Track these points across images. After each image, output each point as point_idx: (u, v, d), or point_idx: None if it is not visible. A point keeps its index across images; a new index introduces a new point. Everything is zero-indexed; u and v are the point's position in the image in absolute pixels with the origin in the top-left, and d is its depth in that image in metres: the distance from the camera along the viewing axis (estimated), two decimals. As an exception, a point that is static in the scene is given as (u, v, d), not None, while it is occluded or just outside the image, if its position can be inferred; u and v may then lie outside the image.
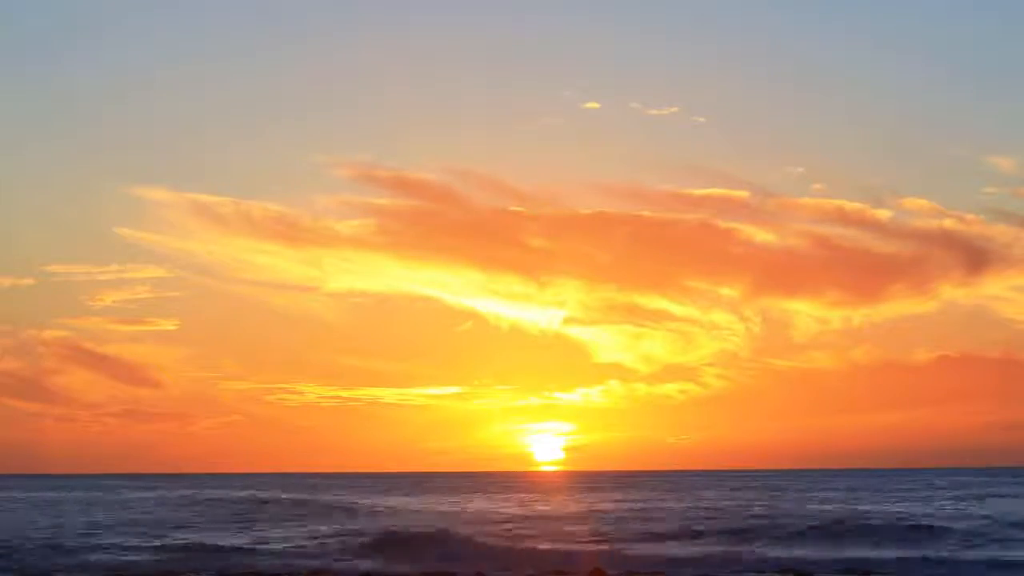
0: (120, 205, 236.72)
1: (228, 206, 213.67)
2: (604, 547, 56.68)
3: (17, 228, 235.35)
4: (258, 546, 59.80)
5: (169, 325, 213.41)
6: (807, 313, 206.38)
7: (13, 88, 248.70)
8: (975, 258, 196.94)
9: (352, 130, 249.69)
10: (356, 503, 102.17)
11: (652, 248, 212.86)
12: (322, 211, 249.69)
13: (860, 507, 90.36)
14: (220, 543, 60.05)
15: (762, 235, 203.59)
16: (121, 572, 49.94)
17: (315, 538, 63.15)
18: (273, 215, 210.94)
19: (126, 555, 56.62)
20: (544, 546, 57.32)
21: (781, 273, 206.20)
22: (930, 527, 65.13)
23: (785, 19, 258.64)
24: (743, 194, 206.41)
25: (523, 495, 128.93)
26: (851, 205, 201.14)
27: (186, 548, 58.30)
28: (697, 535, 63.77)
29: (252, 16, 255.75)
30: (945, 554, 53.49)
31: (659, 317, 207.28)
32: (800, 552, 54.35)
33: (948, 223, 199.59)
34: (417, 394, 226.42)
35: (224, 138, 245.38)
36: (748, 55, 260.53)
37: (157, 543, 61.69)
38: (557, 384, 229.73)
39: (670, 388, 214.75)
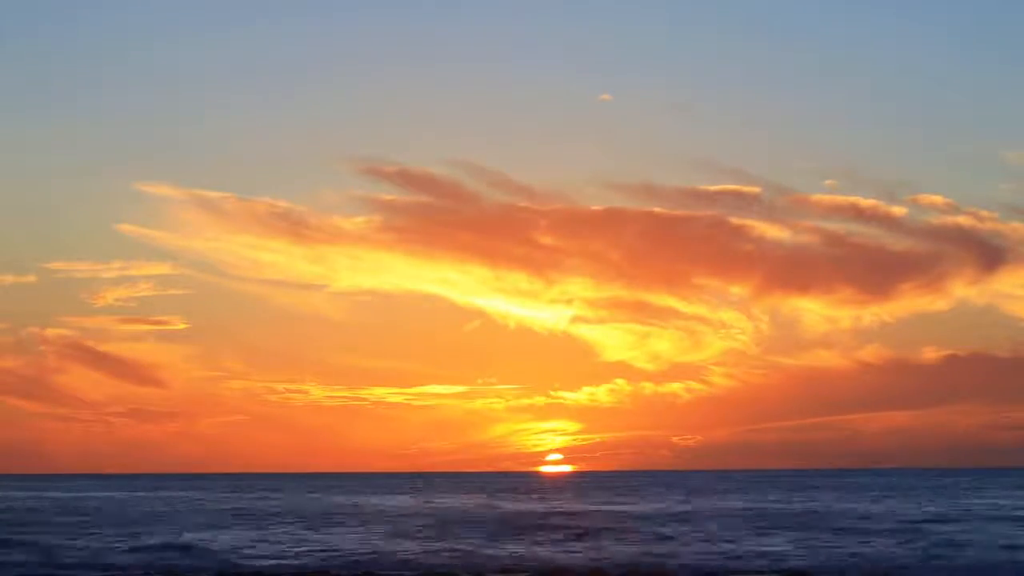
0: (122, 201, 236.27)
1: (232, 202, 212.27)
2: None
3: (18, 225, 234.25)
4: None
5: (172, 323, 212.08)
6: (816, 311, 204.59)
7: (14, 86, 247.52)
8: (989, 255, 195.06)
9: (357, 124, 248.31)
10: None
11: (662, 245, 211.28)
12: (327, 206, 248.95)
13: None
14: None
15: (774, 232, 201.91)
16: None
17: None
18: (278, 211, 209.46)
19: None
20: None
21: (791, 271, 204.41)
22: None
23: (798, 15, 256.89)
24: (755, 190, 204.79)
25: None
26: (865, 202, 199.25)
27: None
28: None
29: (255, 13, 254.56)
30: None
31: (667, 315, 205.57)
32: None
33: (963, 220, 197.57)
34: (423, 393, 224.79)
35: (227, 133, 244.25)
36: (762, 50, 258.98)
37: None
38: (563, 383, 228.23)
39: (677, 387, 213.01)
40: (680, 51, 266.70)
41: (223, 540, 60.33)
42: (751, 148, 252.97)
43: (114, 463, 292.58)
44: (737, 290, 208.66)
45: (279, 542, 58.96)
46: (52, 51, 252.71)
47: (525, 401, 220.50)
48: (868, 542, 56.80)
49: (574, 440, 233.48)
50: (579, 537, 60.00)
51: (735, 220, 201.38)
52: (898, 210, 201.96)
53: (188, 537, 62.18)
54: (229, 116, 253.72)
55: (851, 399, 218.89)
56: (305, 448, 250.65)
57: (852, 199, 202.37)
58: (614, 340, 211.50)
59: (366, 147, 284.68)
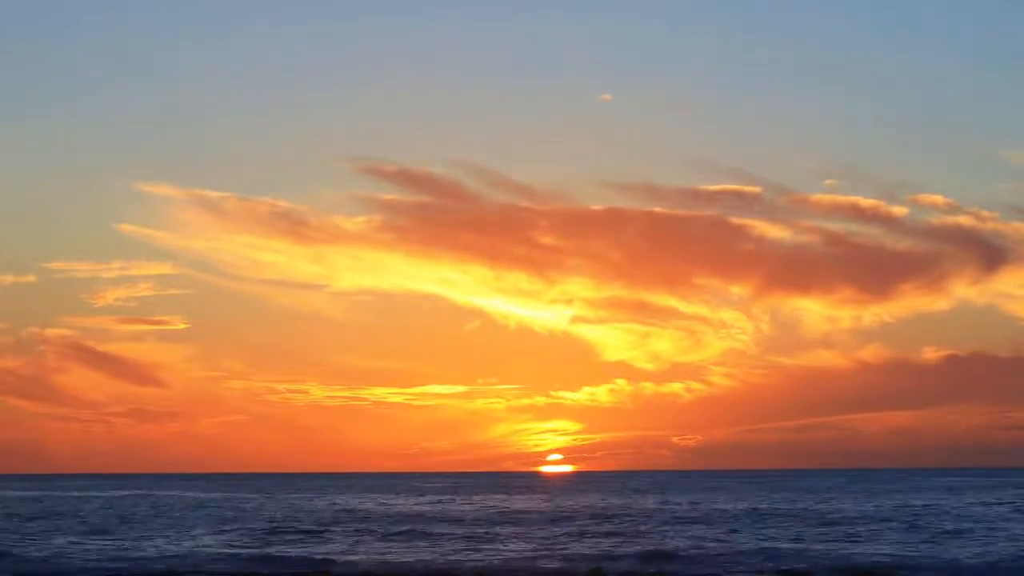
0: (123, 201, 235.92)
1: (232, 202, 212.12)
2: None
3: (18, 225, 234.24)
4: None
5: (172, 323, 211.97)
6: (817, 311, 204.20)
7: (14, 84, 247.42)
8: (989, 255, 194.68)
9: (357, 124, 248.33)
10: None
11: (663, 245, 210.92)
12: (328, 206, 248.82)
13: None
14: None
15: (774, 232, 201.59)
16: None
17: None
18: (279, 211, 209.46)
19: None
20: None
21: (792, 270, 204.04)
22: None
23: (798, 15, 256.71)
24: (756, 190, 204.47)
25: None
26: (866, 201, 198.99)
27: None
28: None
29: (256, 14, 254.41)
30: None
31: (667, 315, 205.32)
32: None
33: (964, 220, 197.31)
34: (423, 393, 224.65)
35: (227, 133, 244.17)
36: (762, 50, 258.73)
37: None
38: (563, 383, 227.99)
39: (677, 387, 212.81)
40: (680, 51, 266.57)
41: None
42: (751, 148, 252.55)
43: (114, 463, 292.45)
44: (737, 290, 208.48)
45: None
46: (52, 52, 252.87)
47: (525, 401, 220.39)
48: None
49: (574, 440, 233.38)
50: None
51: (735, 220, 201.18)
52: (899, 210, 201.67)
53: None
54: (229, 116, 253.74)
55: (851, 399, 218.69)
56: (305, 448, 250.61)
57: (852, 199, 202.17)
58: (614, 340, 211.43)
59: (366, 147, 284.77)
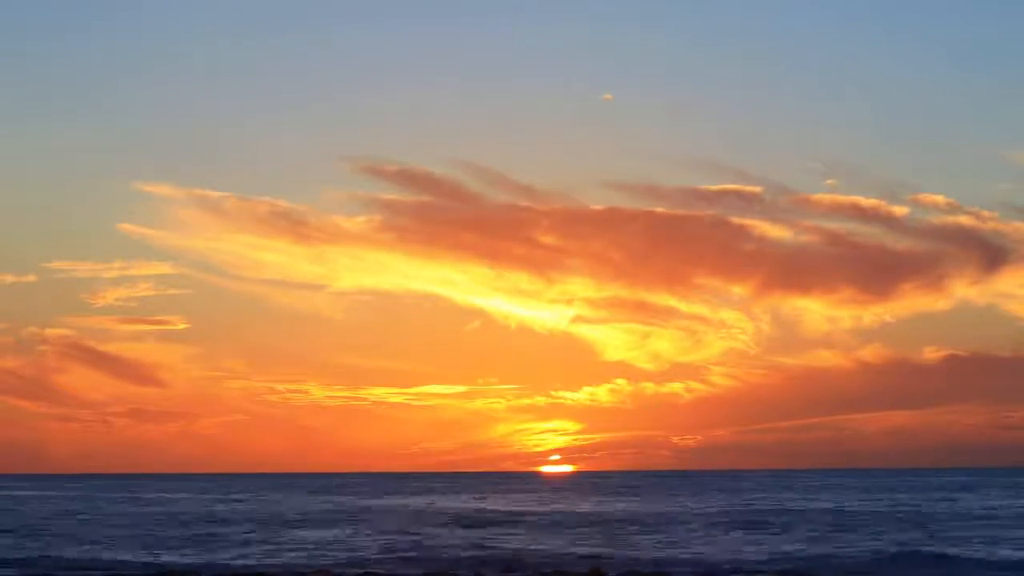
0: (122, 201, 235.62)
1: (232, 202, 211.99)
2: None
3: (19, 224, 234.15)
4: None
5: (172, 323, 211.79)
6: (817, 311, 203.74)
7: (15, 84, 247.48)
8: (990, 255, 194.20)
9: (357, 124, 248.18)
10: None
11: (663, 245, 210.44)
12: (328, 206, 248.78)
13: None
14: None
15: (775, 231, 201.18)
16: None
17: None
18: (279, 211, 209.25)
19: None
20: None
21: (793, 270, 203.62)
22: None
23: (802, 15, 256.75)
24: (757, 190, 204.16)
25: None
26: (867, 201, 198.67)
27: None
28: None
29: (256, 14, 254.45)
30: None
31: (668, 315, 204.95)
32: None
33: (964, 219, 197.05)
34: (423, 393, 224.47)
35: (228, 133, 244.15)
36: (765, 50, 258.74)
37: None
38: (564, 383, 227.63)
39: (677, 387, 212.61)
40: (680, 51, 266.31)
41: None
42: (752, 148, 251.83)
43: (114, 463, 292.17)
44: (738, 290, 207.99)
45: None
46: (53, 52, 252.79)
47: (525, 401, 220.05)
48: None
49: (574, 440, 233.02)
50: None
51: (736, 220, 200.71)
52: (899, 210, 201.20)
53: None
54: (229, 116, 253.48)
55: (851, 399, 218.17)
56: (305, 448, 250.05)
57: (853, 199, 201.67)
58: (614, 340, 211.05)
59: (366, 147, 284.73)
